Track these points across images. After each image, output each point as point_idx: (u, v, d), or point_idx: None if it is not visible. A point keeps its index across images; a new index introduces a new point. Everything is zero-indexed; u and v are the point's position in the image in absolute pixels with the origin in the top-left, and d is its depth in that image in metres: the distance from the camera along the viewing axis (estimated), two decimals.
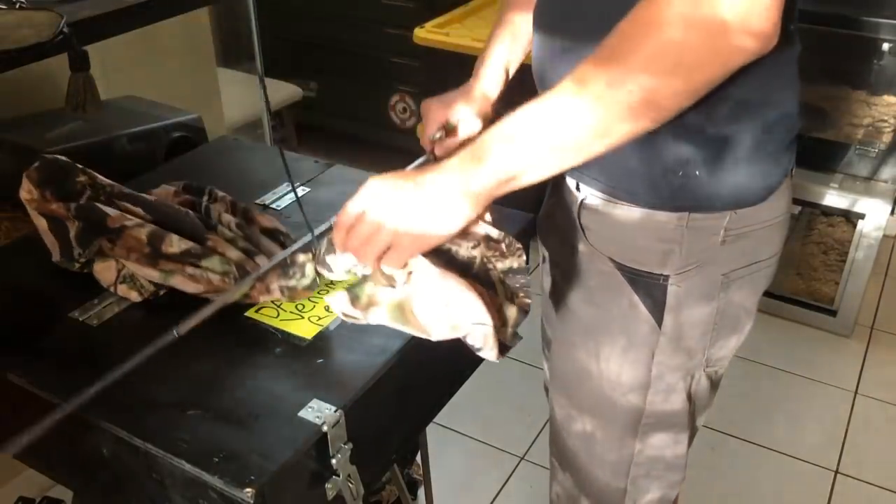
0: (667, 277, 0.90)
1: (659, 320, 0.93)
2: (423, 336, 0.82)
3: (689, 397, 0.99)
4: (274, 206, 1.16)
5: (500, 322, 0.82)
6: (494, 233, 0.85)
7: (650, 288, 0.91)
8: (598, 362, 0.98)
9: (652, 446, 1.01)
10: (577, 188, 0.95)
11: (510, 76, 1.08)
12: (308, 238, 0.94)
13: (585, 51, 0.80)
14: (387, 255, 0.79)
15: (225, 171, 1.30)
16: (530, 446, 1.97)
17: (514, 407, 2.06)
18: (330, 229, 0.93)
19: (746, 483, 1.88)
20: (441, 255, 0.85)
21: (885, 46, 2.05)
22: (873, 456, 1.95)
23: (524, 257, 0.86)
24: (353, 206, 0.80)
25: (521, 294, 0.85)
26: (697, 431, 1.07)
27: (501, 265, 0.85)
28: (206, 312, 0.81)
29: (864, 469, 1.91)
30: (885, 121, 2.14)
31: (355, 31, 2.94)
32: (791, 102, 0.87)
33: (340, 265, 0.87)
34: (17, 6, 1.23)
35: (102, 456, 0.80)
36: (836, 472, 1.91)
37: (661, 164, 0.84)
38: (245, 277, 0.91)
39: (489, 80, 1.05)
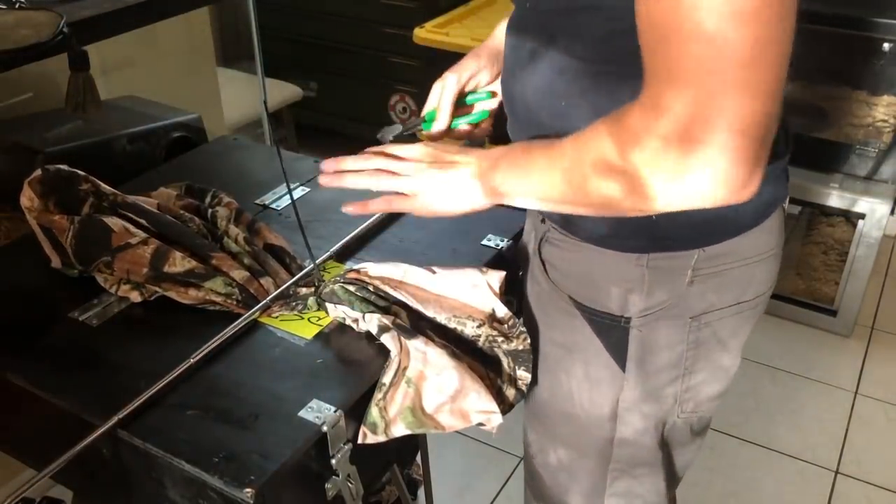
0: (628, 320, 0.84)
1: (622, 364, 0.87)
2: (440, 432, 0.83)
3: (662, 444, 0.94)
4: (273, 206, 1.16)
5: (498, 402, 0.86)
6: (500, 311, 0.88)
7: (611, 331, 0.86)
8: (564, 403, 0.93)
9: (624, 493, 0.96)
10: (542, 220, 0.91)
11: None
12: (310, 267, 0.96)
13: (540, 63, 0.80)
14: (397, 199, 0.85)
15: (225, 171, 1.29)
16: None
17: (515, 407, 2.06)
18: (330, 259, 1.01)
19: (746, 483, 1.88)
20: (447, 333, 0.87)
21: (885, 46, 2.04)
22: (873, 456, 1.95)
23: (528, 340, 0.88)
24: (397, 149, 0.86)
25: (521, 377, 0.88)
26: (680, 481, 1.02)
27: (506, 346, 0.86)
28: (214, 343, 0.86)
29: (864, 469, 1.91)
30: (885, 121, 2.14)
31: (355, 31, 2.94)
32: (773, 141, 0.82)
33: (337, 312, 0.91)
34: (17, 6, 1.23)
35: (102, 456, 0.80)
36: (836, 472, 1.91)
37: None
38: (247, 298, 0.92)
39: (490, 38, 1.03)
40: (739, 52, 0.57)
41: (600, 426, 0.92)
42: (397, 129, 1.03)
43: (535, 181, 0.76)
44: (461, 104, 1.01)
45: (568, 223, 0.85)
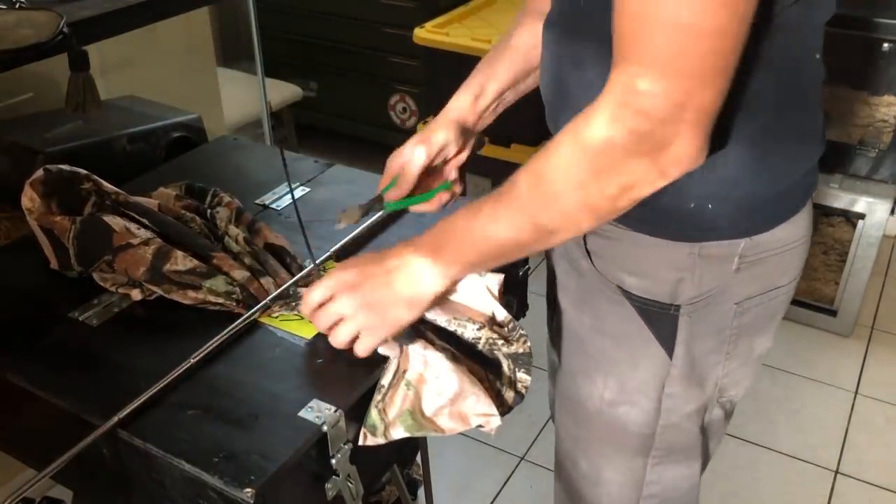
0: (678, 308, 0.86)
1: (670, 352, 0.88)
2: (439, 435, 0.83)
3: (703, 430, 0.96)
4: (274, 206, 1.16)
5: (497, 404, 0.86)
6: (500, 314, 0.88)
7: (661, 318, 0.87)
8: (607, 392, 0.94)
9: (662, 480, 0.97)
10: None
11: (489, 96, 1.02)
12: (311, 267, 0.96)
13: (586, 63, 0.81)
14: (358, 342, 0.84)
15: (225, 171, 1.29)
16: (530, 446, 1.97)
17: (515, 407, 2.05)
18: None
19: (746, 483, 1.88)
20: (447, 337, 0.87)
21: (885, 46, 2.04)
22: (873, 456, 1.95)
23: (528, 343, 0.88)
24: (317, 293, 0.84)
25: (521, 379, 0.88)
26: (710, 459, 1.03)
27: (507, 349, 0.86)
28: (214, 343, 0.86)
29: (864, 469, 1.91)
30: (885, 121, 2.14)
31: (355, 31, 2.94)
32: (813, 133, 0.84)
33: None
34: (17, 6, 1.23)
35: (102, 456, 0.80)
36: (837, 472, 1.91)
37: (671, 195, 0.78)
38: (247, 297, 0.92)
39: (454, 109, 1.02)
40: (710, 38, 0.64)
41: (644, 414, 0.93)
42: (355, 213, 0.98)
43: (495, 226, 0.77)
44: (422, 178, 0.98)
45: (621, 214, 0.84)
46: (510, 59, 1.02)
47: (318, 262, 0.98)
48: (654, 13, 0.64)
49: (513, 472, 1.91)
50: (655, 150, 0.68)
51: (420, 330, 0.87)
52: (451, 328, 0.87)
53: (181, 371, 0.82)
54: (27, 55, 1.12)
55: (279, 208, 1.16)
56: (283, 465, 0.73)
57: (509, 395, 0.88)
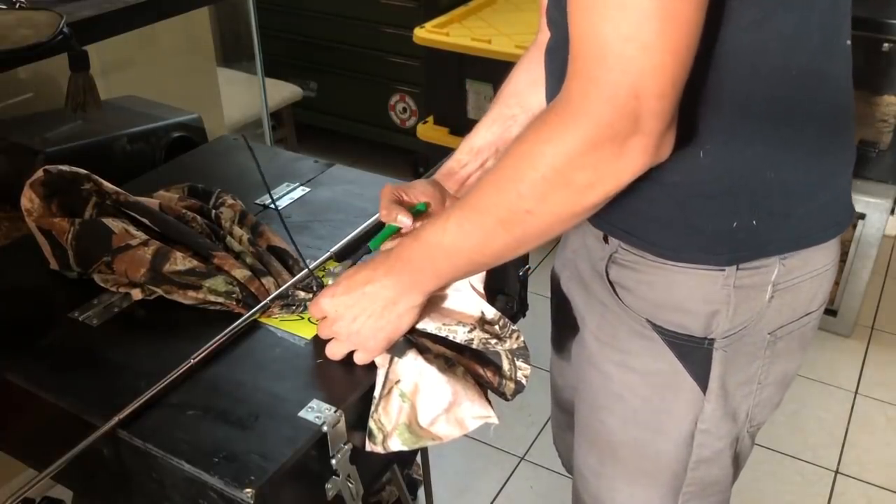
0: (712, 341, 0.83)
1: (703, 387, 0.85)
2: (438, 443, 0.84)
3: (735, 461, 0.94)
4: (274, 206, 1.16)
5: (497, 395, 0.86)
6: (489, 312, 0.88)
7: (694, 353, 0.84)
8: (636, 430, 0.91)
9: None
10: (606, 240, 0.87)
11: (471, 167, 1.02)
12: (305, 270, 0.96)
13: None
14: (354, 356, 0.85)
15: (225, 171, 1.29)
16: (530, 446, 1.97)
17: (514, 407, 2.05)
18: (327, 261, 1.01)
19: (746, 483, 1.88)
20: (439, 342, 0.87)
21: (885, 46, 2.04)
22: (873, 456, 1.95)
23: (521, 338, 0.87)
24: (314, 312, 0.87)
25: (521, 367, 0.87)
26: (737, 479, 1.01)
27: (501, 347, 0.86)
28: (214, 343, 0.86)
29: (864, 469, 1.91)
30: (885, 121, 2.14)
31: (355, 31, 2.94)
32: (849, 144, 0.81)
33: None
34: (17, 6, 1.23)
35: (102, 456, 0.80)
36: (836, 472, 1.91)
37: (709, 215, 0.77)
38: (247, 297, 0.92)
39: (440, 171, 1.04)
40: (660, 21, 0.61)
41: (676, 450, 0.90)
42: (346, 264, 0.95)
43: (464, 235, 0.76)
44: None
45: (651, 243, 0.81)
46: (489, 128, 1.01)
47: (314, 264, 0.98)
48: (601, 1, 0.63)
49: (513, 472, 1.91)
50: (615, 139, 0.65)
51: (411, 340, 0.86)
52: (442, 335, 0.86)
53: (181, 371, 0.82)
54: (27, 55, 1.12)
55: (279, 208, 1.16)
56: (283, 466, 0.73)
57: (510, 387, 0.88)
